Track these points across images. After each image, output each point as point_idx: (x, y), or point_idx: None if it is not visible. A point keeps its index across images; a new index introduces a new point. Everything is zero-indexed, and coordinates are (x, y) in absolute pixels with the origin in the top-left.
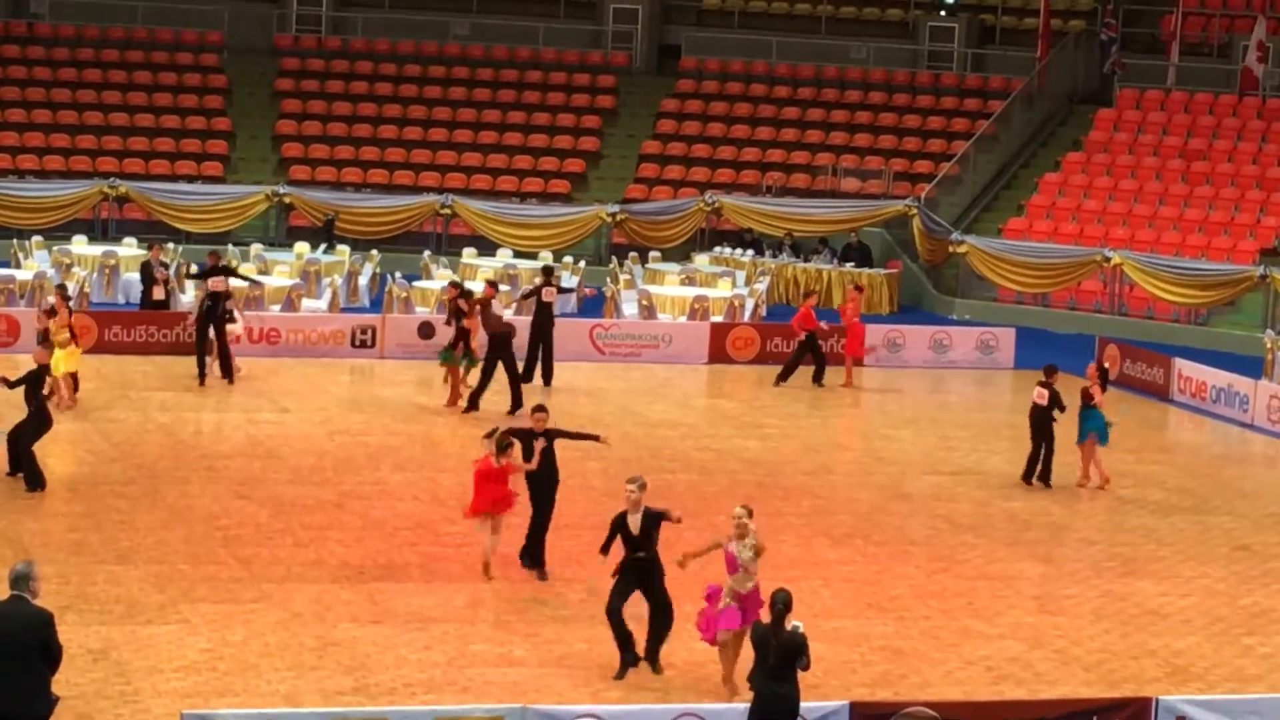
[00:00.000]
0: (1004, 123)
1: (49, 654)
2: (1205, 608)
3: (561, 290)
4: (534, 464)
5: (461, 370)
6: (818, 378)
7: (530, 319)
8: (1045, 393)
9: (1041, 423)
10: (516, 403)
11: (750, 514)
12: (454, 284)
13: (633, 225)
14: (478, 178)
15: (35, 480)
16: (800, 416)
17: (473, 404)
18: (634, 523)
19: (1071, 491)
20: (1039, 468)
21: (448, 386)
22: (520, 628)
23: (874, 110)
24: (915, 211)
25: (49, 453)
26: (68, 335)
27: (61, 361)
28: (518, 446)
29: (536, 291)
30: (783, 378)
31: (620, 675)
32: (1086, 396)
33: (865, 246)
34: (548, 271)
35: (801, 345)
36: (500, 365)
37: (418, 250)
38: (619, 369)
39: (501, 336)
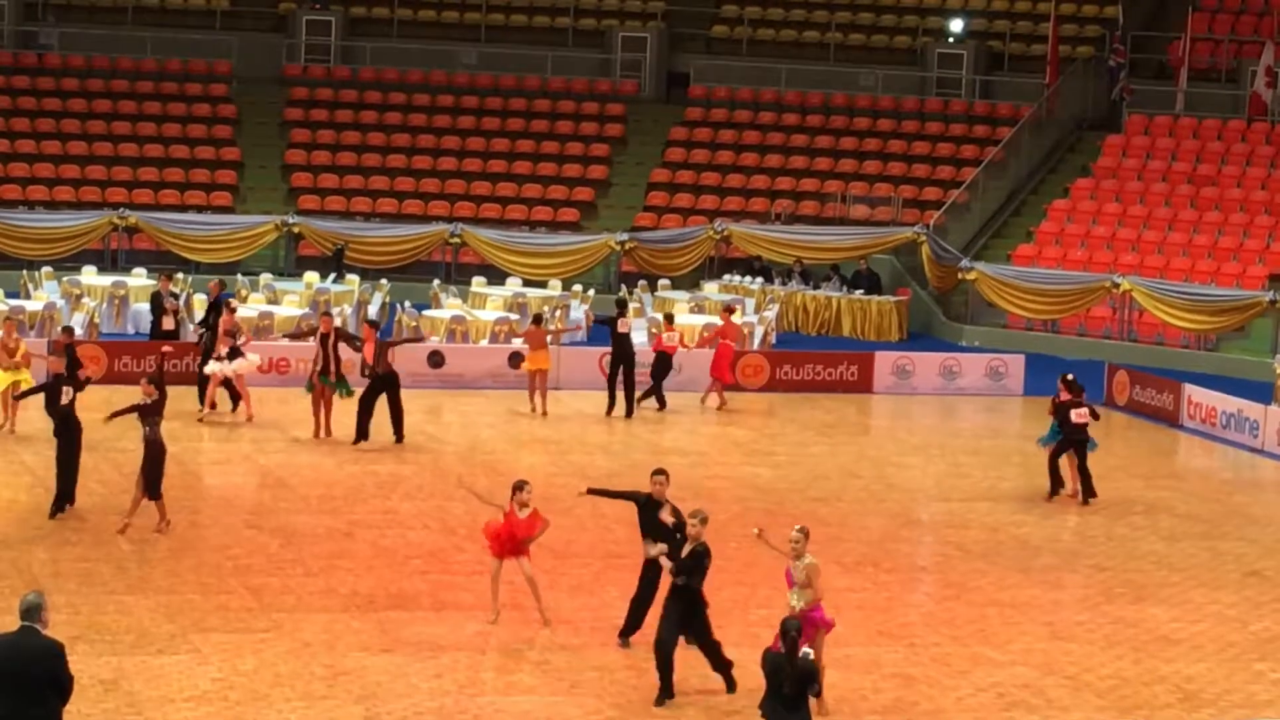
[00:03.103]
0: (1012, 149)
1: (60, 685)
2: (1216, 634)
3: (599, 321)
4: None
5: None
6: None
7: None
8: (1086, 411)
9: (1083, 443)
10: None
11: (806, 535)
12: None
13: (642, 253)
14: (487, 206)
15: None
16: (810, 444)
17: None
18: (684, 552)
19: (1083, 519)
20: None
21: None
22: (531, 656)
23: (883, 137)
24: (924, 238)
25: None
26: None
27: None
28: (526, 489)
29: (612, 324)
30: (644, 396)
31: (659, 702)
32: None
33: (874, 274)
34: (621, 304)
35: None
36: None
37: (427, 279)
38: None
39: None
